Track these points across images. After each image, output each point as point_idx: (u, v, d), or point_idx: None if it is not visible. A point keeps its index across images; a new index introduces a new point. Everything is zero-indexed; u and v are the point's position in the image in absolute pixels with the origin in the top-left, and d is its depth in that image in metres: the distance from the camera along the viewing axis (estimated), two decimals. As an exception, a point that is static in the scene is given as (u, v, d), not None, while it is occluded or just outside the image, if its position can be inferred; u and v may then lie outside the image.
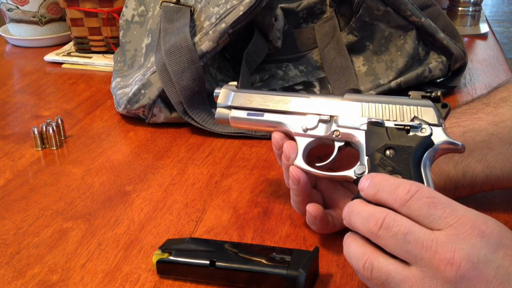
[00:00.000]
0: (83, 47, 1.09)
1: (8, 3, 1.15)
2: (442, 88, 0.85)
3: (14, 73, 1.07)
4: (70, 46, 1.13)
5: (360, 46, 0.86)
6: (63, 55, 1.08)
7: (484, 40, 1.13)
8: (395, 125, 0.48)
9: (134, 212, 0.59)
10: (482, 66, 0.97)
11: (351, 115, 0.50)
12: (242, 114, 0.54)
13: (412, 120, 0.48)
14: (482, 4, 1.20)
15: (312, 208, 0.50)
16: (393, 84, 0.83)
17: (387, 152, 0.46)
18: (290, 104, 0.53)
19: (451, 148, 0.47)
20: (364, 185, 0.42)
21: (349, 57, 0.85)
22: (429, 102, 0.49)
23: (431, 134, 0.47)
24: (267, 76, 0.86)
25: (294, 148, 0.51)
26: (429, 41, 0.84)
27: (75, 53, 1.09)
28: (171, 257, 0.49)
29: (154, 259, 0.50)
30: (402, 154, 0.46)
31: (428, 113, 0.48)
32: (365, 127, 0.49)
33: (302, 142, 0.52)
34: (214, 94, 0.56)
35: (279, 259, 0.47)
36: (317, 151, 0.54)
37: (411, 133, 0.47)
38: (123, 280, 0.50)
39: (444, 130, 0.47)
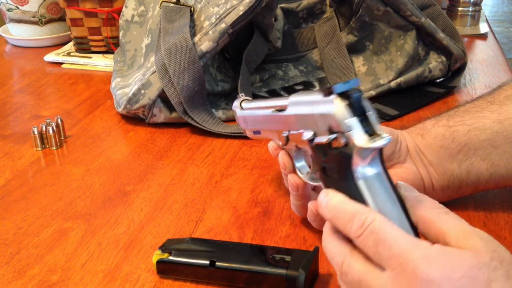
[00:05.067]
0: (83, 47, 1.09)
1: (8, 3, 1.15)
2: (442, 88, 0.85)
3: (14, 73, 1.07)
4: (70, 46, 1.13)
5: (360, 46, 0.86)
6: (63, 55, 1.08)
7: (484, 40, 1.13)
8: (319, 141, 0.42)
9: (134, 212, 0.59)
10: (482, 66, 0.97)
11: (296, 129, 0.46)
12: (251, 132, 0.57)
13: (329, 129, 0.40)
14: (482, 4, 1.20)
15: (313, 206, 0.50)
16: (393, 84, 0.83)
17: (326, 172, 0.42)
18: (264, 124, 0.54)
19: (372, 152, 0.39)
20: (322, 202, 0.41)
21: (349, 57, 0.85)
22: (331, 105, 0.39)
23: (346, 145, 0.39)
24: (267, 76, 0.86)
25: (288, 159, 0.53)
26: (429, 41, 0.84)
27: (75, 53, 1.09)
28: (171, 257, 0.49)
29: (154, 259, 0.50)
30: (333, 174, 0.41)
31: (334, 120, 0.39)
32: (307, 143, 0.44)
33: (291, 153, 0.53)
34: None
35: (279, 259, 0.47)
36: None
37: (333, 148, 0.40)
38: (123, 280, 0.50)
39: (358, 131, 0.39)
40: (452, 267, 0.33)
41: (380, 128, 0.39)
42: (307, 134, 0.43)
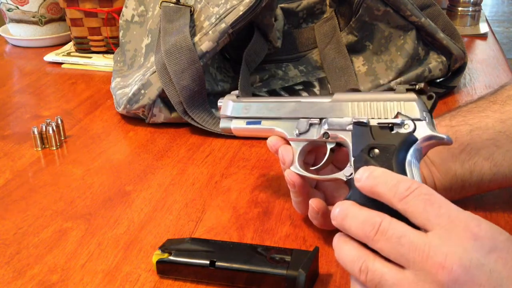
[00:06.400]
0: (83, 47, 1.09)
1: (8, 3, 1.15)
2: (442, 88, 0.85)
3: (14, 73, 1.07)
4: (70, 46, 1.13)
5: (360, 46, 0.86)
6: (63, 55, 1.08)
7: (484, 40, 1.13)
8: (379, 123, 0.47)
9: (134, 212, 0.59)
10: (482, 66, 0.97)
11: (339, 116, 0.50)
12: (242, 123, 0.57)
13: (396, 116, 0.47)
14: (482, 4, 1.20)
15: (314, 203, 0.50)
16: (393, 84, 0.83)
17: (372, 153, 0.46)
18: (282, 110, 0.54)
19: (436, 143, 0.46)
20: (362, 176, 0.42)
21: (349, 57, 0.85)
22: (413, 96, 0.47)
23: (414, 130, 0.45)
24: (267, 76, 0.86)
25: (289, 153, 0.52)
26: (429, 41, 0.84)
27: (75, 53, 1.09)
28: (171, 257, 0.49)
29: (154, 259, 0.50)
30: (385, 154, 0.45)
31: (411, 108, 0.47)
32: (351, 127, 0.49)
33: (297, 146, 0.53)
34: (218, 104, 0.59)
35: (279, 259, 0.47)
36: (315, 153, 0.55)
37: (394, 131, 0.46)
38: (123, 280, 0.50)
39: (429, 124, 0.46)
40: (498, 231, 0.37)
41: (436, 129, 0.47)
42: (361, 118, 0.48)
